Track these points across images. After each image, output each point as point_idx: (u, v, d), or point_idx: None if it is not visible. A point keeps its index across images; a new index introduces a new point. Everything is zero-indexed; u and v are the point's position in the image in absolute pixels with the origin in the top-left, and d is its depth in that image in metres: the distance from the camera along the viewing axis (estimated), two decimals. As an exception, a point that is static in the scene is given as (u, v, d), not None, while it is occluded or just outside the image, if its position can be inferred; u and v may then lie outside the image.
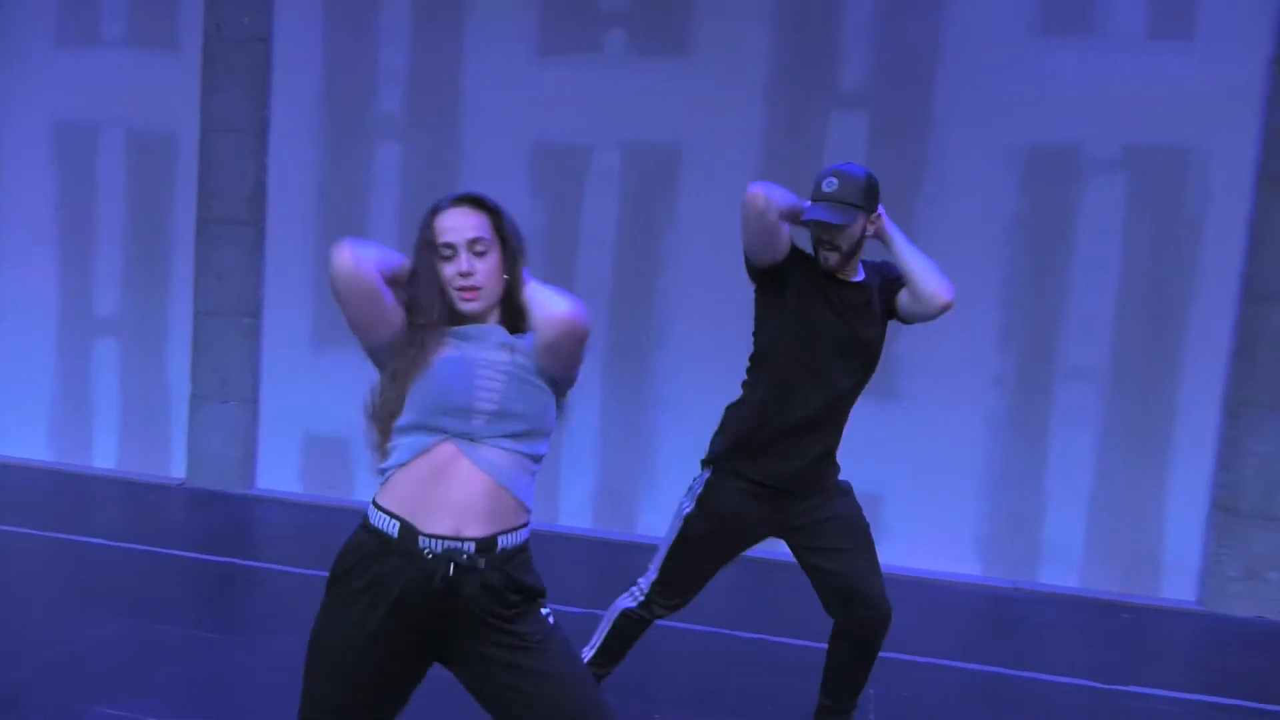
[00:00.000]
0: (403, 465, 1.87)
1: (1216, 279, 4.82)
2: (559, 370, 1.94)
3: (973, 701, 3.68)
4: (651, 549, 3.05)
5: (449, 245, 1.94)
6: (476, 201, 1.98)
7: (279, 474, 5.90)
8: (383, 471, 1.91)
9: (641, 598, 2.93)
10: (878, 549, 2.90)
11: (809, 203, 2.69)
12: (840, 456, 2.93)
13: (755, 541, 2.91)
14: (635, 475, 5.46)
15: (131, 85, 5.95)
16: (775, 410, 2.76)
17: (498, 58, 5.48)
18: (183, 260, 5.94)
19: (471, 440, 1.86)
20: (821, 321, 2.73)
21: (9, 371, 6.24)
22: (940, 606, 4.73)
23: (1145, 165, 4.86)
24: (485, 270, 1.94)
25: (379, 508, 1.89)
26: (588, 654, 2.97)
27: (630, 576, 3.06)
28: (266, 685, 3.32)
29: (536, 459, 1.94)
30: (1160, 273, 4.88)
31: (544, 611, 1.93)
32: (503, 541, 1.87)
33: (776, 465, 2.77)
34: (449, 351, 1.91)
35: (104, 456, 6.16)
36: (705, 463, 2.91)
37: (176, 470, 6.04)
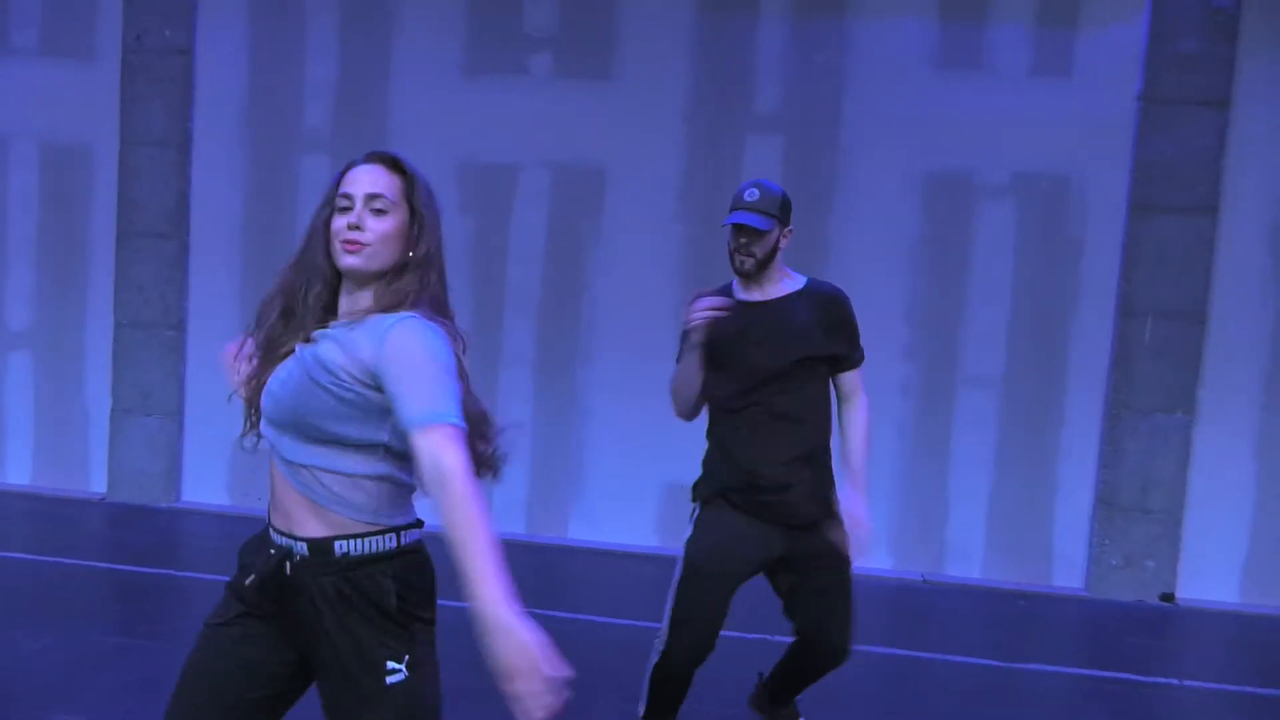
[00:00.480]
0: None
1: (1096, 295, 5.29)
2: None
3: (888, 681, 4.00)
4: (582, 552, 3.20)
5: (346, 195, 1.75)
6: (392, 162, 1.81)
7: (205, 487, 5.88)
8: None
9: (663, 646, 2.83)
10: None
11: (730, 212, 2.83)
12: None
13: (757, 561, 2.84)
14: (565, 483, 5.64)
15: (45, 96, 5.86)
16: (729, 436, 2.86)
17: (425, 76, 5.62)
18: (101, 274, 5.87)
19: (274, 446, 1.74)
20: (743, 354, 2.80)
21: (-89, 388, 6.06)
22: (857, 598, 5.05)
23: (1031, 191, 5.31)
24: (378, 230, 1.72)
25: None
26: (641, 708, 2.93)
27: (562, 579, 3.24)
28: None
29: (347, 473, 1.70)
30: (1047, 289, 5.33)
31: (390, 667, 1.66)
32: (341, 547, 1.68)
33: (759, 481, 2.79)
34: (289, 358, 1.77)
35: (18, 472, 6.02)
36: (695, 499, 2.94)
37: (97, 485, 5.95)
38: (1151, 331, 5.18)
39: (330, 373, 1.67)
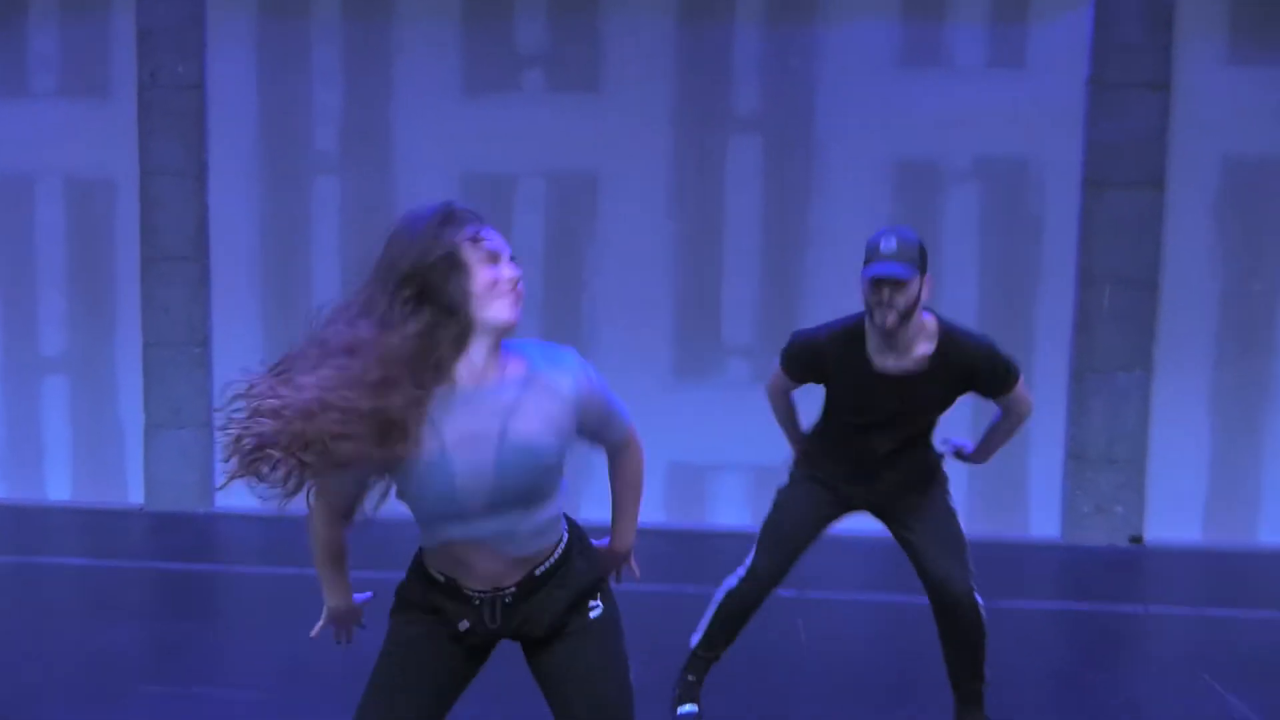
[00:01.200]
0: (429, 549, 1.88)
1: (1056, 267, 5.74)
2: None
3: (882, 624, 4.44)
4: (595, 530, 3.59)
5: (495, 253, 1.72)
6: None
7: (237, 492, 6.23)
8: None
9: (744, 572, 3.09)
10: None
11: (864, 266, 2.75)
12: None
13: (843, 508, 3.08)
14: (575, 466, 6.04)
15: (66, 134, 6.21)
16: (841, 449, 3.03)
17: (425, 97, 6.00)
18: (128, 298, 6.23)
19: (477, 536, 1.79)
20: (864, 408, 2.87)
21: (-47, 415, 6.40)
22: (851, 555, 5.48)
23: (992, 174, 5.75)
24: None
25: (426, 563, 1.93)
26: (696, 638, 3.20)
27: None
28: (271, 663, 3.81)
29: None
30: (1011, 264, 5.78)
31: (591, 605, 1.94)
32: (539, 571, 1.87)
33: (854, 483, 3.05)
34: (427, 442, 1.70)
35: (58, 489, 6.39)
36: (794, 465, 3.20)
37: (134, 497, 6.32)
38: (1109, 298, 5.64)
39: (546, 437, 1.76)
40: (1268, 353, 5.66)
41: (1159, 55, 5.54)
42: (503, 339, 1.77)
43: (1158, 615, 4.64)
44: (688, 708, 3.22)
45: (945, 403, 2.91)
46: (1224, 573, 5.34)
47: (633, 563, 2.20)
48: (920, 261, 2.70)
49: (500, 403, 1.75)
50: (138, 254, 6.17)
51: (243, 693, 3.52)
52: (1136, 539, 5.75)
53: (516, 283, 1.74)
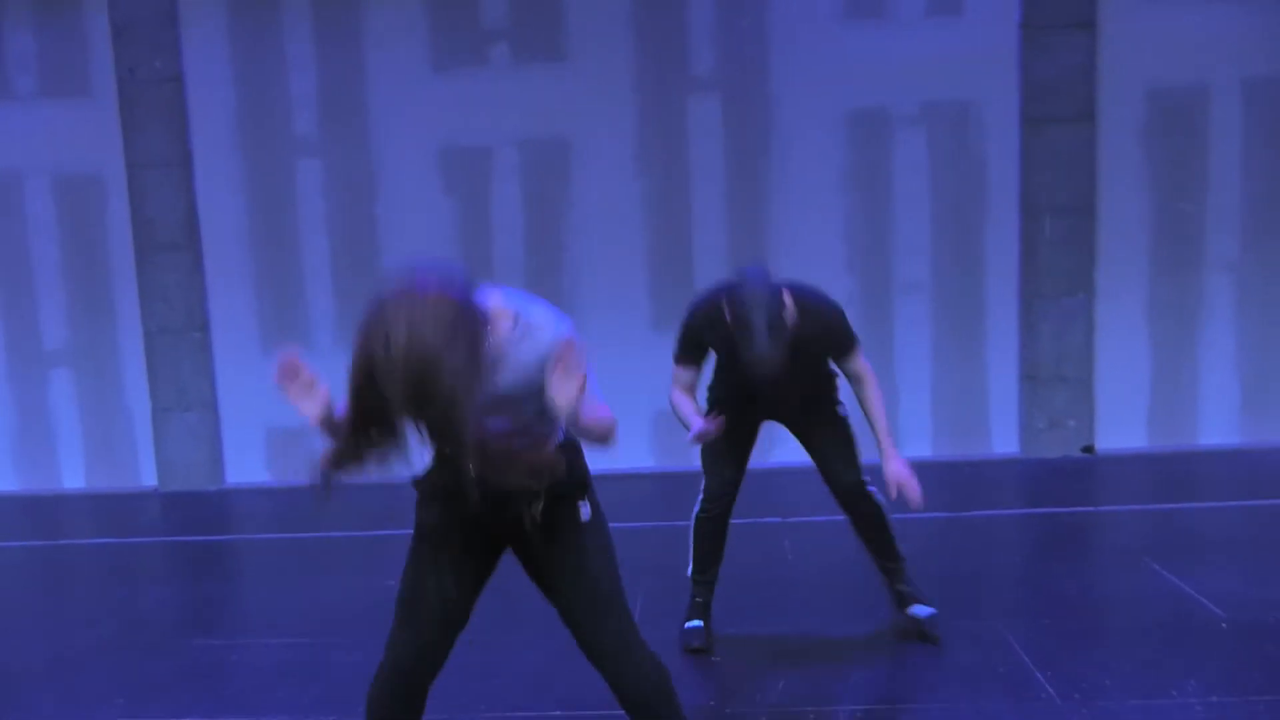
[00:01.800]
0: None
1: (1001, 200, 6.15)
2: None
3: (859, 545, 4.86)
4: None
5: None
6: None
7: (246, 468, 6.58)
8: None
9: (701, 497, 3.47)
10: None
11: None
12: None
13: (761, 418, 3.42)
14: (566, 420, 6.42)
15: (51, 133, 6.41)
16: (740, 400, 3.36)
17: (397, 75, 6.27)
18: (126, 288, 6.48)
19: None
20: (750, 379, 3.11)
21: (-38, 413, 6.65)
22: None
23: (938, 117, 6.13)
24: None
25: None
26: (689, 568, 3.54)
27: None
28: (302, 615, 4.17)
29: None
30: (960, 200, 6.18)
31: (581, 503, 2.16)
32: None
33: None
34: None
35: (73, 477, 6.67)
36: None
37: (147, 479, 6.62)
38: (1050, 227, 6.06)
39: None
40: (1198, 268, 6.12)
41: (1085, -4, 5.92)
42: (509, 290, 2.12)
43: (1108, 513, 5.11)
44: (694, 623, 3.62)
45: (820, 362, 3.29)
46: (1168, 473, 5.82)
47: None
48: (781, 325, 2.92)
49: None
50: (131, 245, 6.41)
51: (281, 639, 3.86)
52: (1088, 449, 6.23)
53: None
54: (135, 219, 6.38)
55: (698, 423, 3.15)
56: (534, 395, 1.96)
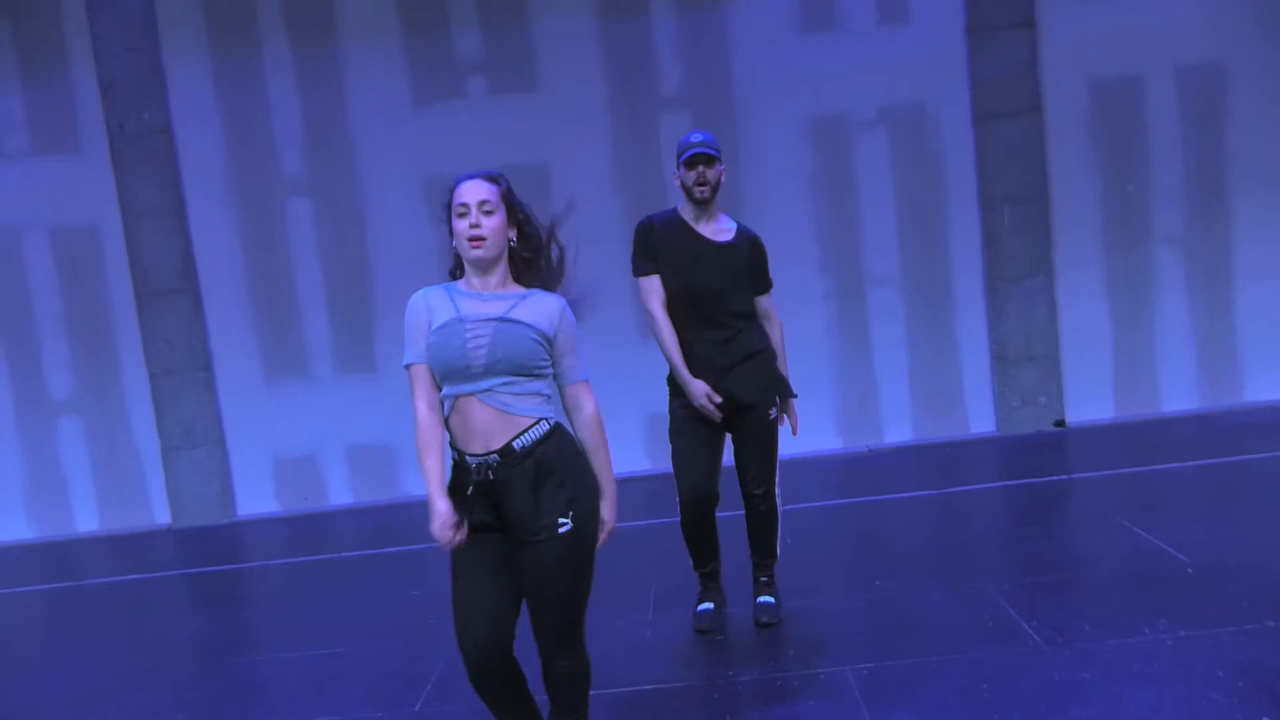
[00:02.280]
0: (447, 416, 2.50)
1: (961, 193, 6.50)
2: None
3: (848, 523, 5.18)
4: None
5: (463, 205, 2.47)
6: (488, 176, 2.55)
7: (256, 499, 6.80)
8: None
9: (679, 502, 3.69)
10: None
11: (680, 158, 3.61)
12: None
13: (719, 423, 3.67)
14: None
15: (45, 190, 6.63)
16: (690, 344, 3.67)
17: (379, 112, 6.54)
18: (128, 334, 6.69)
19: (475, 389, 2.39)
20: (683, 270, 3.63)
21: (-26, 466, 6.83)
22: (817, 473, 6.23)
23: (895, 119, 6.48)
24: (490, 226, 2.46)
25: (452, 445, 2.52)
26: (691, 562, 3.84)
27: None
28: (335, 628, 4.41)
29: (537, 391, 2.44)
30: (921, 195, 6.53)
31: (560, 522, 2.41)
32: (518, 444, 2.42)
33: (697, 353, 3.65)
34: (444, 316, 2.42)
35: (86, 521, 6.86)
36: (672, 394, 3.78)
37: (160, 518, 6.82)
38: (1009, 215, 6.42)
39: (538, 331, 2.46)
40: (1147, 243, 6.50)
41: (1024, -2, 6.31)
42: (508, 269, 2.56)
43: (1080, 480, 5.45)
44: (704, 606, 3.90)
45: (751, 275, 3.71)
46: (1134, 440, 6.18)
47: (611, 516, 2.58)
48: (720, 152, 3.63)
49: (504, 302, 2.50)
50: (131, 292, 6.63)
51: (318, 651, 4.10)
52: (1060, 423, 6.58)
53: (474, 229, 2.46)
54: (133, 266, 6.59)
55: (698, 385, 3.56)
56: (541, 334, 2.46)
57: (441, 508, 2.41)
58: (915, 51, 6.40)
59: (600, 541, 2.55)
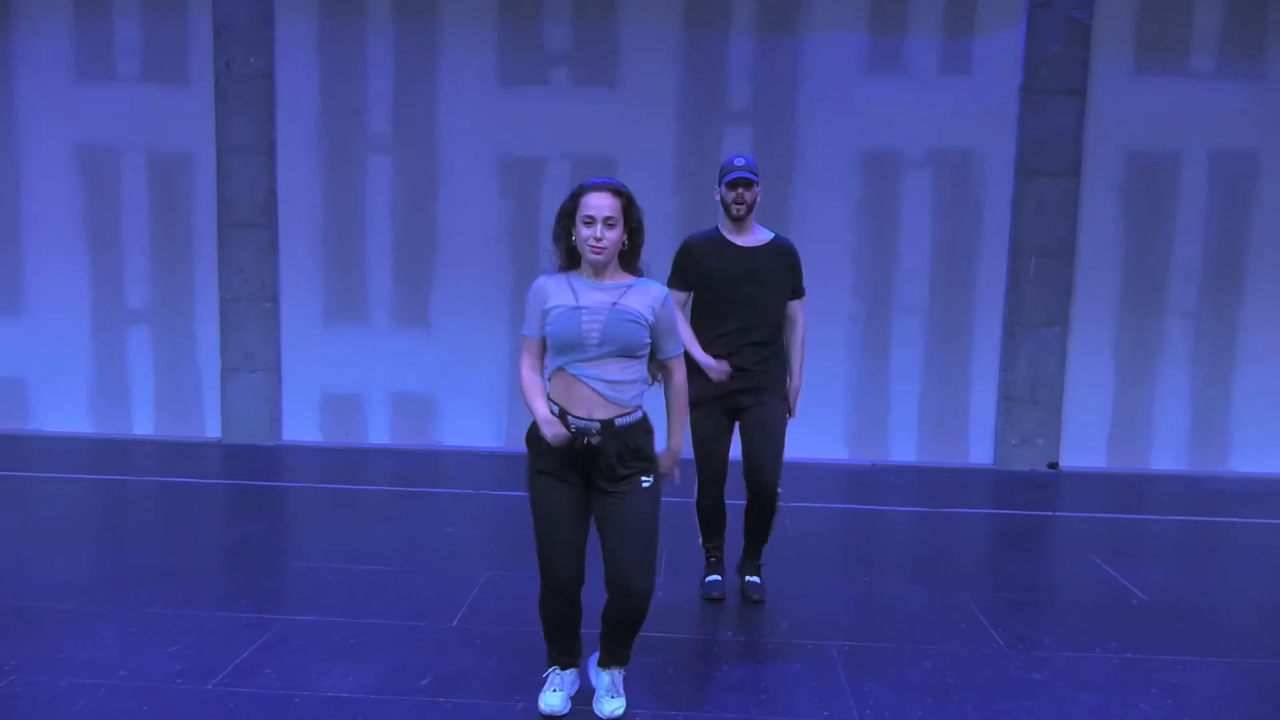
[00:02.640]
0: (550, 377, 2.97)
1: (993, 240, 6.95)
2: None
3: (845, 523, 5.65)
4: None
5: (590, 217, 2.87)
6: (614, 190, 2.91)
7: (302, 427, 7.32)
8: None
9: (697, 487, 4.13)
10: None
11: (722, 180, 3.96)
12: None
13: (734, 415, 4.07)
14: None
15: (150, 116, 7.13)
16: (708, 330, 4.03)
17: (466, 88, 7.01)
18: (206, 259, 7.21)
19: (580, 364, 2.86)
20: (721, 280, 3.98)
21: (48, 361, 7.35)
22: (822, 479, 6.71)
23: (942, 163, 6.93)
24: (611, 239, 2.90)
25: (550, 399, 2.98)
26: (700, 539, 4.28)
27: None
28: (382, 547, 4.91)
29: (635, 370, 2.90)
30: (957, 237, 6.98)
31: (643, 479, 2.92)
32: (618, 422, 2.90)
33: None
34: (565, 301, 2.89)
35: (143, 425, 7.39)
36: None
37: (211, 431, 7.35)
38: (1035, 266, 6.87)
39: (642, 316, 2.92)
40: (1160, 311, 6.94)
41: (1077, 67, 6.73)
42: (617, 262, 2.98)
43: (1064, 518, 5.91)
44: (712, 578, 4.38)
45: (781, 285, 4.05)
46: (1121, 490, 6.63)
47: (676, 470, 3.17)
48: (758, 176, 3.97)
49: (615, 291, 2.95)
50: (214, 221, 7.14)
51: (365, 566, 4.59)
52: (1054, 465, 7.03)
53: (596, 241, 2.90)
54: (220, 197, 7.10)
55: (715, 363, 3.90)
56: (647, 321, 2.92)
57: (547, 415, 2.92)
58: (970, 102, 6.84)
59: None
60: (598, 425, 2.89)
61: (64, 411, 7.39)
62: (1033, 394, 6.98)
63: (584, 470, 2.96)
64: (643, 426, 2.98)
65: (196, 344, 7.31)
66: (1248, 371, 6.95)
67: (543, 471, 2.99)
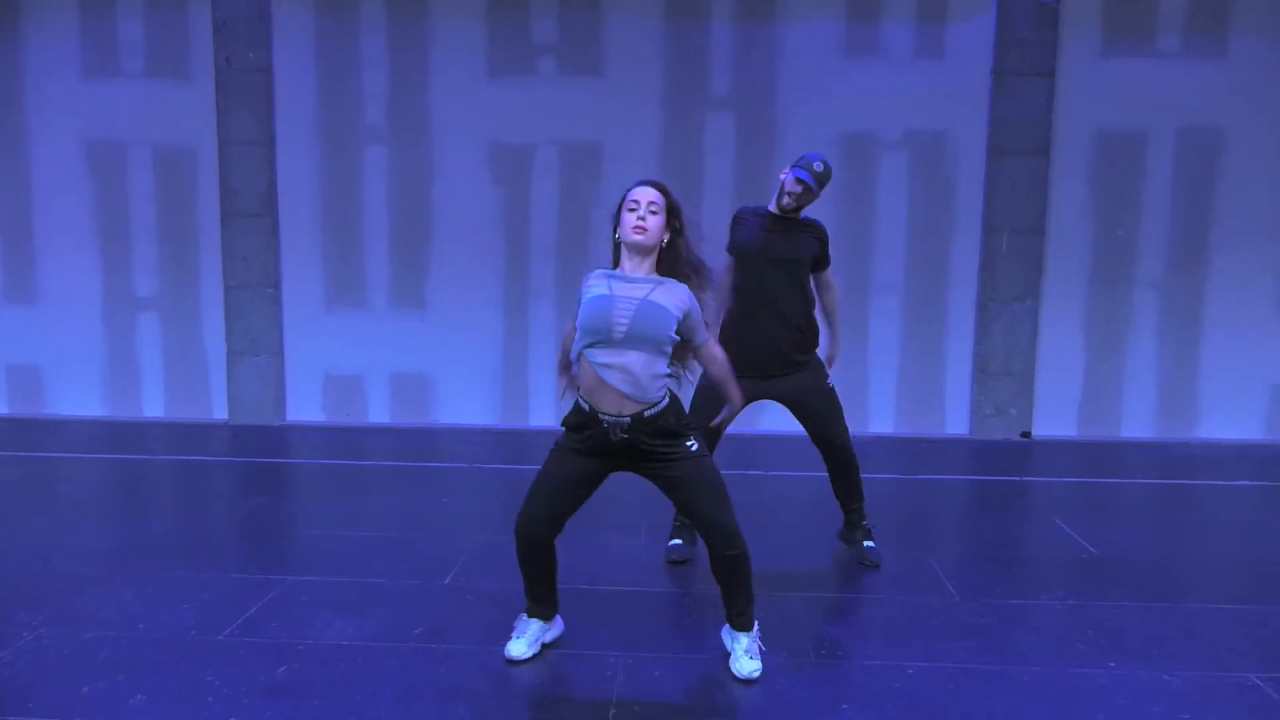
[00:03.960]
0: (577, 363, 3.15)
1: (967, 217, 7.21)
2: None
3: (815, 490, 5.93)
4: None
5: (634, 202, 3.12)
6: (658, 185, 3.19)
7: (305, 408, 7.62)
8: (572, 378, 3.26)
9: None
10: None
11: (793, 167, 4.10)
12: None
13: (750, 397, 4.16)
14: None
15: (154, 110, 7.41)
16: (741, 303, 4.23)
17: (457, 79, 7.28)
18: (210, 247, 7.50)
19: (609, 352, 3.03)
20: (762, 245, 4.18)
21: (61, 348, 7.67)
22: (804, 450, 6.96)
23: (917, 144, 7.18)
24: (653, 223, 3.12)
25: (580, 397, 3.17)
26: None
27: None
28: (389, 516, 5.22)
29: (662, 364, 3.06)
30: (932, 215, 7.24)
31: (688, 443, 3.14)
32: (647, 413, 3.07)
33: (749, 345, 4.20)
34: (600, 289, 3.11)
35: (153, 407, 7.70)
36: None
37: (218, 413, 7.66)
38: (1007, 243, 7.13)
39: (670, 311, 3.09)
40: (1129, 285, 7.20)
41: (1047, 50, 6.97)
42: (655, 261, 3.20)
43: (1031, 482, 6.19)
44: (674, 541, 4.64)
45: (810, 253, 4.28)
46: (1089, 456, 6.91)
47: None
48: (822, 187, 4.18)
49: (646, 285, 3.15)
50: (218, 211, 7.43)
51: (369, 533, 4.88)
52: (1026, 434, 7.31)
53: (640, 221, 3.14)
54: (222, 188, 7.38)
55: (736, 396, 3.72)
56: (674, 316, 3.10)
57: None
58: (944, 85, 7.09)
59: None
60: (628, 420, 3.09)
61: (77, 396, 7.71)
62: (1006, 366, 7.25)
63: (625, 455, 3.17)
64: (671, 409, 3.16)
65: (203, 329, 7.61)
66: (1214, 341, 7.21)
67: (571, 449, 3.21)
